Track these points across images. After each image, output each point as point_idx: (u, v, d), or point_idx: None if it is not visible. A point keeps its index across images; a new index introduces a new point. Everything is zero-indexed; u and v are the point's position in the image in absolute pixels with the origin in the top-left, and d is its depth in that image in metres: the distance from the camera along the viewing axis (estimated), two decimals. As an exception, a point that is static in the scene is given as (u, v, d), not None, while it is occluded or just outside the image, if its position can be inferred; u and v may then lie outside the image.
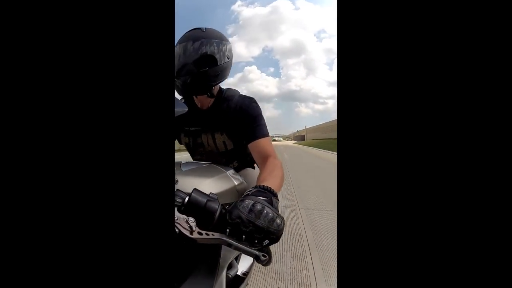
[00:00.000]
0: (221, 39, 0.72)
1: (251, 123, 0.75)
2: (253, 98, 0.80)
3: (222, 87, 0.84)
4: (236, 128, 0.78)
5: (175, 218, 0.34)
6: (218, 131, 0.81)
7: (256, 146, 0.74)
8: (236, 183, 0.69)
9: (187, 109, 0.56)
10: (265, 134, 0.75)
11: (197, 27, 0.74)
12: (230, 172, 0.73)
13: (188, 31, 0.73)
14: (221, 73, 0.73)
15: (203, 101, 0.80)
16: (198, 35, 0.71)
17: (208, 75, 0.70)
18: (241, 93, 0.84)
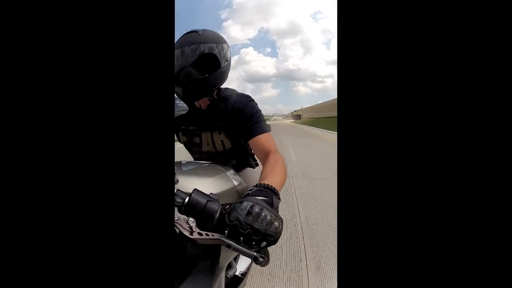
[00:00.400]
0: (218, 42, 0.71)
1: (249, 121, 0.75)
2: (249, 97, 0.80)
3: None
4: (234, 127, 0.78)
5: (176, 219, 0.34)
6: (216, 130, 0.81)
7: (256, 143, 0.73)
8: (236, 183, 0.69)
9: (188, 109, 0.56)
10: (264, 130, 0.75)
11: (193, 29, 0.71)
12: (230, 172, 0.73)
13: (184, 34, 0.71)
14: (221, 77, 0.73)
15: (202, 102, 0.80)
16: (195, 40, 0.68)
17: (208, 81, 0.70)
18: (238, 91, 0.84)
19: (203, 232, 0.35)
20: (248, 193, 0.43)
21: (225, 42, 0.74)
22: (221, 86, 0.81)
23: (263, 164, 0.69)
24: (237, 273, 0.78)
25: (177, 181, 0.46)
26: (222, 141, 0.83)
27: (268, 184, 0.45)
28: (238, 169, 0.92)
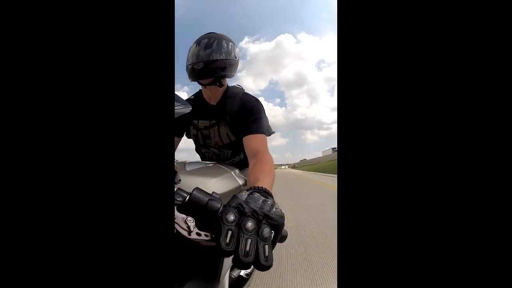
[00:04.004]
0: (231, 41, 0.84)
1: (249, 118, 0.80)
2: (257, 99, 0.86)
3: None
4: (237, 122, 0.83)
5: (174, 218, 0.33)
6: (222, 122, 0.88)
7: (249, 141, 0.76)
8: (241, 183, 0.68)
9: (190, 108, 0.56)
10: (261, 130, 0.78)
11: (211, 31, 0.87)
12: (235, 172, 0.73)
13: (204, 34, 0.86)
14: (229, 67, 0.83)
15: (213, 93, 0.88)
16: (212, 35, 0.84)
17: (217, 64, 0.80)
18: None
19: (202, 233, 0.33)
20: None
21: (235, 44, 0.86)
22: (229, 87, 0.91)
23: (252, 162, 0.71)
24: (241, 274, 0.78)
25: (180, 180, 0.46)
26: (227, 134, 0.88)
27: (261, 187, 0.44)
28: (244, 164, 0.93)
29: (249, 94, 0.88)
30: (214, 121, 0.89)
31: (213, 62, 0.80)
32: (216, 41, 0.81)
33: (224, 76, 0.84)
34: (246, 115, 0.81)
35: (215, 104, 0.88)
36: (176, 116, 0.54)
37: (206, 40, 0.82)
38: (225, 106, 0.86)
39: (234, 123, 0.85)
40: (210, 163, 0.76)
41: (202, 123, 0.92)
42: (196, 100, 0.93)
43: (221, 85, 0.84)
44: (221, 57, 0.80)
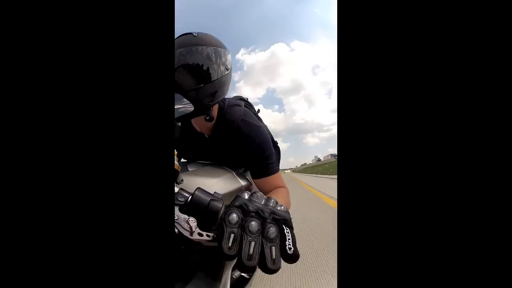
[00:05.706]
0: (217, 46, 0.56)
1: (259, 157, 0.67)
2: (258, 126, 0.67)
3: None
4: (240, 155, 0.70)
5: (175, 218, 0.33)
6: (222, 163, 0.73)
7: (266, 183, 0.70)
8: (243, 183, 0.68)
9: (193, 108, 0.54)
10: (275, 170, 0.70)
11: (188, 32, 0.56)
12: (238, 172, 0.73)
13: (177, 37, 0.56)
14: (220, 90, 0.57)
15: (201, 125, 0.67)
16: (188, 42, 0.53)
17: (203, 94, 0.54)
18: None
19: (204, 233, 0.33)
20: None
21: (225, 47, 0.59)
22: (224, 105, 0.69)
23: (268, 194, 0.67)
24: (243, 274, 0.78)
25: (182, 180, 0.46)
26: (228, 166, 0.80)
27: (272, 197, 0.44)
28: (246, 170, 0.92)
29: (251, 125, 0.67)
30: (209, 159, 0.76)
31: (197, 93, 0.53)
32: (196, 55, 0.52)
33: (215, 104, 0.60)
34: (253, 153, 0.66)
35: (206, 133, 0.69)
36: (176, 116, 0.54)
37: (181, 55, 0.51)
38: (221, 141, 0.68)
39: (238, 162, 0.73)
40: (212, 163, 0.76)
41: (191, 159, 0.76)
42: (182, 128, 0.70)
43: (211, 119, 0.59)
44: (207, 81, 0.53)
